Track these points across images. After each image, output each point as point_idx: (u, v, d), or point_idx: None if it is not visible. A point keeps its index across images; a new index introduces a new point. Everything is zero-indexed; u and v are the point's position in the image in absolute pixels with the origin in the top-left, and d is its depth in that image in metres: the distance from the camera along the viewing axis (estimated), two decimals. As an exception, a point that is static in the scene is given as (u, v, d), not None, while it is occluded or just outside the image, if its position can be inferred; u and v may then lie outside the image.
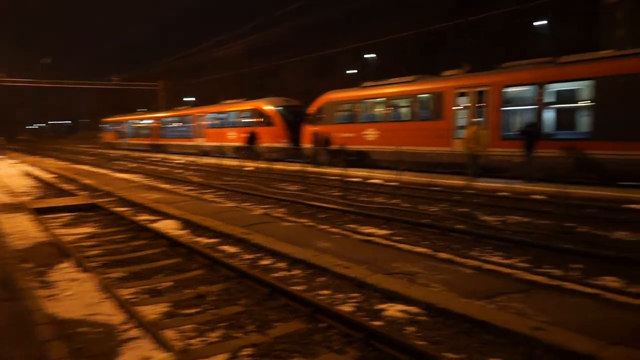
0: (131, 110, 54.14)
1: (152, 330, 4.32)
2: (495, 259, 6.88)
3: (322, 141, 22.73)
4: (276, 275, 6.14)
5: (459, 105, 17.46)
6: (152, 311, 4.99)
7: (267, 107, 27.56)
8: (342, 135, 22.18)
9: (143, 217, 10.12)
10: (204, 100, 45.86)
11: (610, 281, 5.87)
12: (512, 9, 26.09)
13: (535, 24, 28.57)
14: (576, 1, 24.72)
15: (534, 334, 3.93)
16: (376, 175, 17.59)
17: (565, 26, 29.74)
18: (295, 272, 6.24)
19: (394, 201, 12.43)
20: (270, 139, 26.74)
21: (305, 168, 18.59)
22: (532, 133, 14.51)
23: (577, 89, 14.77)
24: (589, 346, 3.66)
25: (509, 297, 4.88)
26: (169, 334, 4.42)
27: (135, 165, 27.92)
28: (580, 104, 14.65)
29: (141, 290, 5.69)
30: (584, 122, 14.45)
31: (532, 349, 3.86)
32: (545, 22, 28.28)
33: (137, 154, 38.67)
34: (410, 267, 5.99)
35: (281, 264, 6.57)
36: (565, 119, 15.08)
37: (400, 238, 8.23)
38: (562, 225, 8.94)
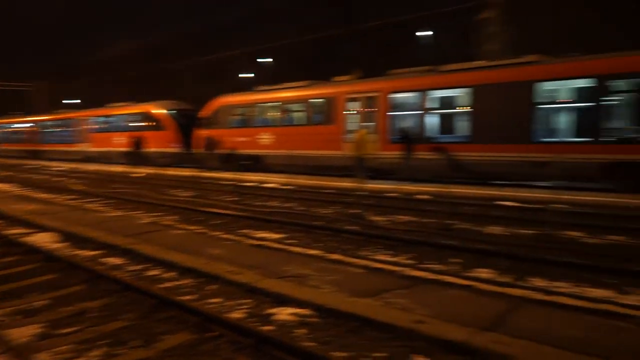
0: (1, 113, 49.25)
1: (22, 354, 3.95)
2: (383, 257, 7.18)
3: (215, 145, 22.33)
4: (164, 285, 5.90)
5: (349, 110, 18.06)
6: (23, 334, 4.56)
7: (158, 110, 26.54)
8: (236, 140, 21.96)
9: (14, 231, 9.23)
10: (89, 103, 43.02)
11: (484, 272, 6.38)
12: (399, 19, 27.52)
13: (418, 34, 30.33)
14: (455, 14, 26.61)
15: (416, 327, 4.15)
16: (271, 179, 17.62)
17: (447, 37, 31.93)
18: (185, 281, 6.04)
19: (288, 205, 12.52)
20: (162, 144, 25.77)
21: (198, 173, 18.16)
22: (409, 137, 15.52)
23: (456, 95, 15.96)
24: (463, 334, 3.93)
25: (394, 294, 5.11)
26: (43, 357, 4.06)
27: (8, 173, 25.41)
28: (458, 109, 15.84)
29: (11, 312, 5.18)
30: (462, 127, 15.65)
31: (414, 341, 4.07)
32: (430, 32, 30.15)
33: (10, 161, 35.25)
34: (302, 270, 6.05)
35: (170, 274, 6.33)
36: (446, 123, 16.25)
37: (294, 241, 8.31)
38: (444, 223, 9.58)
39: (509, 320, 4.32)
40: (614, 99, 13.27)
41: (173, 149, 25.55)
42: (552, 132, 14.26)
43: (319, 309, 4.80)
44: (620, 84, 13.11)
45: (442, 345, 3.94)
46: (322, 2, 40.12)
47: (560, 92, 14.34)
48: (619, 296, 5.47)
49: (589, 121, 13.54)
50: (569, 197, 11.83)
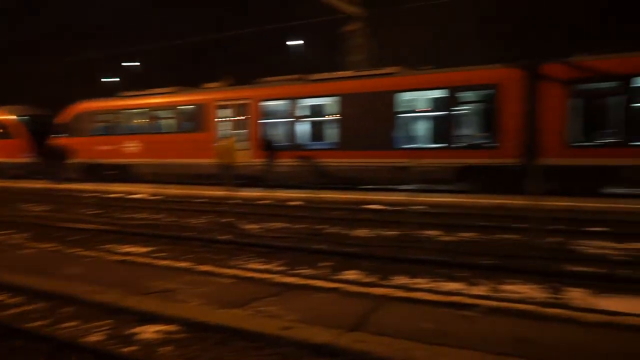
0: None
1: None
2: (254, 265, 7.17)
3: (75, 154, 20.68)
4: (10, 312, 5.29)
5: (221, 118, 17.83)
6: None
7: (6, 116, 23.89)
8: (99, 148, 20.55)
9: None
10: None
11: (351, 274, 6.66)
12: (270, 27, 27.76)
13: (289, 43, 30.90)
14: (323, 25, 27.54)
15: (283, 334, 4.19)
16: (139, 189, 16.76)
17: (316, 46, 32.93)
18: (36, 305, 5.48)
19: (157, 216, 12.00)
20: (11, 154, 23.22)
21: (55, 185, 16.66)
22: (271, 144, 15.85)
23: (324, 104, 16.54)
24: (328, 336, 4.05)
25: (264, 302, 5.12)
26: None
27: None
28: (326, 117, 16.43)
29: None
30: (330, 134, 16.25)
31: (283, 347, 4.11)
32: (300, 42, 30.85)
33: None
34: (170, 284, 5.82)
35: (17, 299, 5.69)
36: (316, 131, 16.77)
37: (162, 254, 7.99)
38: (314, 228, 9.84)
39: (373, 319, 4.55)
40: (464, 109, 14.68)
41: (25, 159, 23.14)
42: (412, 139, 15.37)
43: (186, 323, 4.65)
44: (470, 94, 14.54)
45: (310, 349, 4.02)
46: (192, 6, 39.18)
47: (419, 101, 15.52)
48: (468, 287, 6.03)
49: (443, 129, 14.81)
50: (428, 198, 12.79)
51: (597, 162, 12.67)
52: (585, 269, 6.59)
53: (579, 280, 6.03)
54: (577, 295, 5.61)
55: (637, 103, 12.41)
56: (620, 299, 5.45)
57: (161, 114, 19.59)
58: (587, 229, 8.98)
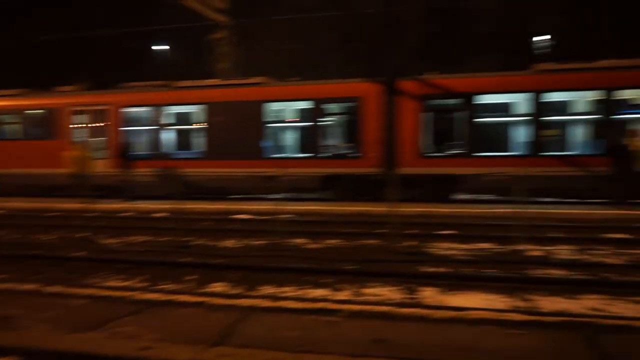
0: None
1: None
2: (112, 283, 6.71)
3: None
4: None
5: (76, 124, 16.51)
6: None
7: None
8: None
9: None
10: None
11: (218, 287, 6.53)
12: (134, 30, 26.39)
13: (154, 48, 29.65)
14: (190, 31, 26.87)
15: (142, 354, 3.95)
16: (-25, 203, 14.82)
17: (183, 53, 31.96)
18: None
19: (-2, 233, 10.71)
20: None
21: None
22: (131, 153, 15.14)
23: (190, 112, 16.12)
24: (191, 353, 3.91)
25: (121, 322, 4.79)
26: None
27: None
28: (192, 126, 16.03)
29: None
30: (197, 143, 15.86)
31: (142, 369, 3.88)
32: (167, 47, 29.72)
33: None
34: (11, 310, 5.19)
35: None
36: (182, 140, 16.26)
37: (3, 276, 7.12)
38: (181, 240, 9.48)
39: (239, 331, 4.49)
40: (329, 120, 15.24)
41: None
42: (280, 148, 15.59)
43: (28, 353, 4.17)
44: (334, 106, 15.15)
45: (171, 369, 3.85)
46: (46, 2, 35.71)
47: (286, 112, 15.80)
48: (333, 293, 6.23)
49: (310, 139, 15.23)
50: (296, 207, 13.03)
51: (446, 171, 13.95)
52: (435, 269, 7.19)
53: (431, 280, 6.56)
54: (428, 294, 6.08)
55: (478, 118, 13.91)
56: (465, 295, 6.02)
57: (4, 118, 17.59)
58: (438, 232, 9.81)
